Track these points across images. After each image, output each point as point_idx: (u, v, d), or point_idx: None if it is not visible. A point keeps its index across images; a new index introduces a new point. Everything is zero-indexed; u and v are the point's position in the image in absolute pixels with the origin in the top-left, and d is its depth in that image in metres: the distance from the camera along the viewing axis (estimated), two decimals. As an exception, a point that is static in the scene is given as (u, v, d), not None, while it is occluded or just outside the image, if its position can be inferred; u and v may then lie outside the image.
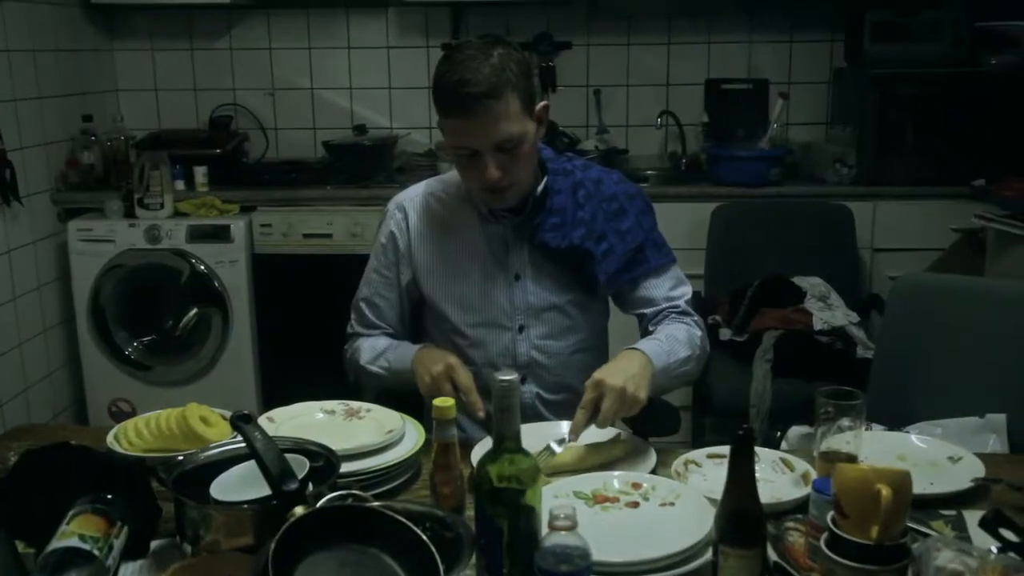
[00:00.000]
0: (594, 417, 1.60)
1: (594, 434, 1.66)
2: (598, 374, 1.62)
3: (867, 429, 1.82)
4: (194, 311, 3.55)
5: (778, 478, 1.57)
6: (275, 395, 3.09)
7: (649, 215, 1.95)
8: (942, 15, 3.58)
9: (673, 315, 1.90)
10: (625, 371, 1.64)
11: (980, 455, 1.65)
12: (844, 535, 1.13)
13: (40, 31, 3.50)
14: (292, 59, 4.08)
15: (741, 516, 1.17)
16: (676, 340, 1.82)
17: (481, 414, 1.68)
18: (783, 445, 1.94)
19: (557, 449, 1.59)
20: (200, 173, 3.65)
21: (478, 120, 1.65)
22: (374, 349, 1.91)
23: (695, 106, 3.95)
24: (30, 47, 3.43)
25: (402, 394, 1.87)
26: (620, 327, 2.04)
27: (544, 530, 1.15)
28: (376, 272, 1.95)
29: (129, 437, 1.64)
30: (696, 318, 1.92)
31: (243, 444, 1.35)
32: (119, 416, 3.48)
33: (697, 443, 2.68)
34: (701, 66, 4.00)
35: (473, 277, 1.88)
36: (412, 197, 1.94)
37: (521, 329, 1.89)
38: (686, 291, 1.95)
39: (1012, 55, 3.51)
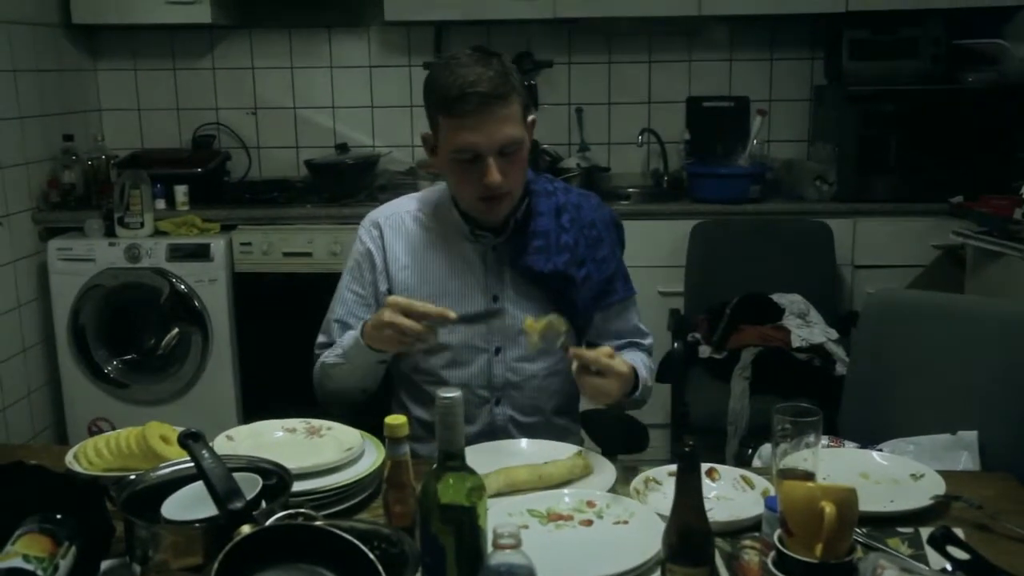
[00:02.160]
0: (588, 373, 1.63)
1: (554, 452, 1.66)
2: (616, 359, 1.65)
3: (834, 446, 1.83)
4: (176, 330, 3.55)
5: (738, 495, 1.56)
6: (256, 414, 3.07)
7: (620, 246, 1.96)
8: (920, 33, 3.60)
9: (638, 349, 1.94)
10: (626, 371, 1.67)
11: (946, 473, 1.64)
12: (790, 553, 1.12)
13: (22, 52, 3.51)
14: (274, 78, 4.10)
15: (688, 535, 1.16)
16: (648, 370, 1.88)
17: (452, 314, 1.65)
18: (755, 462, 1.93)
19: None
20: (180, 192, 3.65)
21: (486, 119, 1.66)
22: (333, 350, 1.87)
23: (677, 124, 3.97)
24: (11, 67, 3.44)
25: (366, 399, 1.86)
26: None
27: (489, 548, 1.14)
28: (350, 291, 1.90)
29: (89, 456, 1.64)
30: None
31: (196, 463, 1.34)
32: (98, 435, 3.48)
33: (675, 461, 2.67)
34: (682, 84, 4.02)
35: (450, 298, 1.84)
36: (387, 215, 1.91)
37: (497, 351, 1.86)
38: (647, 331, 2.00)
39: (989, 72, 3.53)
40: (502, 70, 1.69)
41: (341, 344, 1.83)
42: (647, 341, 1.98)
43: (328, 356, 1.86)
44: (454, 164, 1.73)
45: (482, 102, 1.65)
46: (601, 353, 1.64)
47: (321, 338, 1.92)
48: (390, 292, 1.86)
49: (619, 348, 1.91)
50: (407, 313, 1.64)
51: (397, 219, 1.90)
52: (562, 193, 1.90)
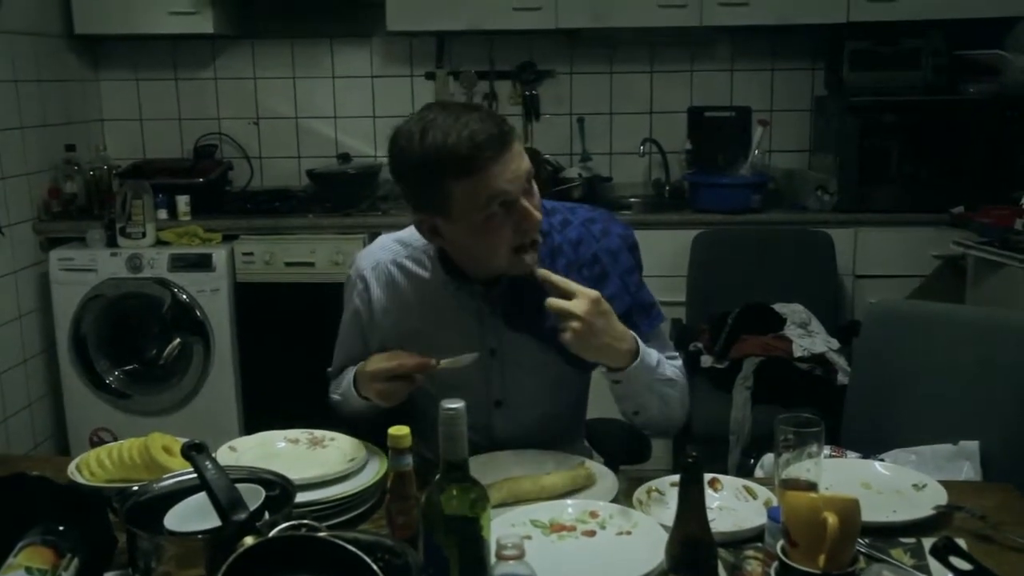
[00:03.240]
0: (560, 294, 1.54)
1: (557, 462, 1.66)
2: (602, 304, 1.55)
3: (836, 456, 1.83)
4: (177, 340, 3.55)
5: (741, 506, 1.56)
6: (258, 424, 3.07)
7: (634, 272, 1.78)
8: (921, 43, 3.61)
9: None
10: (612, 326, 1.57)
11: (949, 483, 1.63)
12: (792, 564, 1.12)
13: (23, 62, 3.52)
14: (277, 88, 4.11)
15: (691, 545, 1.16)
16: (666, 364, 1.73)
17: (433, 362, 1.60)
18: (758, 472, 1.93)
19: None
20: (182, 202, 3.66)
21: (506, 161, 1.53)
22: (336, 386, 1.86)
23: (678, 134, 3.98)
24: (12, 77, 3.45)
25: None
26: (602, 387, 1.84)
27: (492, 559, 1.14)
28: (344, 344, 1.86)
29: (91, 467, 1.64)
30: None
31: (199, 474, 1.34)
32: (100, 446, 3.48)
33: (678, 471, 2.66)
34: (684, 94, 4.03)
35: (442, 353, 1.65)
36: (373, 264, 1.79)
37: (498, 404, 1.77)
38: (676, 354, 1.84)
39: (990, 83, 3.53)
40: (489, 111, 1.58)
41: (341, 382, 1.82)
42: (676, 362, 1.81)
43: (332, 391, 1.86)
44: (480, 226, 1.56)
45: (497, 144, 1.51)
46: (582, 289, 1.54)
47: (330, 368, 1.92)
48: (381, 346, 1.76)
49: None
50: (388, 377, 1.62)
51: (382, 269, 1.78)
52: (558, 231, 1.74)
